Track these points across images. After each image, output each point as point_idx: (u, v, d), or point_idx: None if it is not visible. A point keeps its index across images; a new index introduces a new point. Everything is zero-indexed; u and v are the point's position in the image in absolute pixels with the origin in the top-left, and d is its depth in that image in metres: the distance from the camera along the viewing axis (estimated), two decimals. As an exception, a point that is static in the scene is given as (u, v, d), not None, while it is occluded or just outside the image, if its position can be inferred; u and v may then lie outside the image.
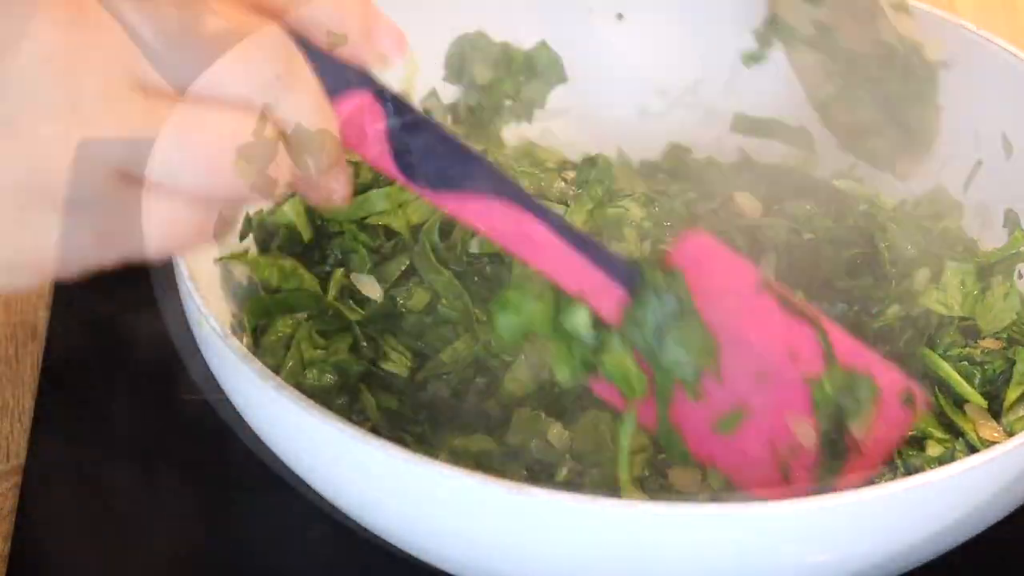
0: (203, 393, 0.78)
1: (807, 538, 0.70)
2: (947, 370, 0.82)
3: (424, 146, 0.67)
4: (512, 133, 0.99)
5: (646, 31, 1.00)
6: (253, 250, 0.87)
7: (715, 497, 0.78)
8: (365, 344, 0.84)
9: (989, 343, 0.84)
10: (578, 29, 1.00)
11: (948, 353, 0.83)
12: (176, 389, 0.85)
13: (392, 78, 0.95)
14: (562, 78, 0.99)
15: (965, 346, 0.84)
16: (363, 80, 0.66)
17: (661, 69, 1.00)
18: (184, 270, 0.78)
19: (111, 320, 0.92)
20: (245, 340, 0.86)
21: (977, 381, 0.82)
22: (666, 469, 0.79)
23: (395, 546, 0.76)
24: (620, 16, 1.00)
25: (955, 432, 0.81)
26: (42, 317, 0.95)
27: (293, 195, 0.85)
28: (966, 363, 0.83)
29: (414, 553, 0.76)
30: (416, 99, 0.96)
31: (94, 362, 0.91)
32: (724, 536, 0.69)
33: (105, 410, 0.89)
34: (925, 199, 0.95)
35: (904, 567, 0.75)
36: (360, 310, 0.85)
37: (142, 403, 0.89)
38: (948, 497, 0.71)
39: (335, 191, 0.66)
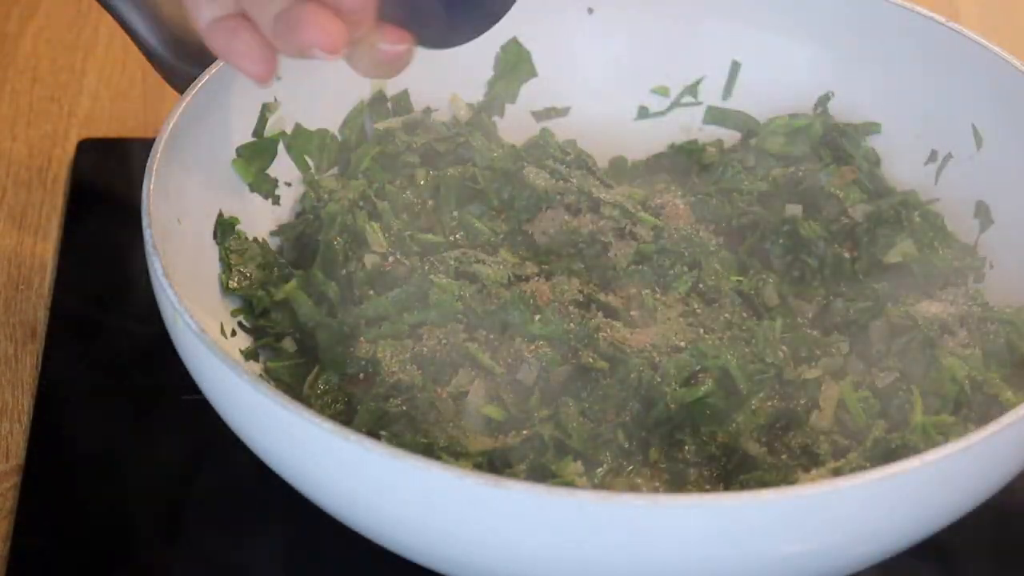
0: (202, 393, 0.78)
1: (779, 529, 0.70)
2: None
3: None
4: (513, 133, 0.99)
5: (646, 31, 1.00)
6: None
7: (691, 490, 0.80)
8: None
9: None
10: (578, 29, 1.00)
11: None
12: (175, 389, 0.85)
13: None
14: (532, 73, 0.99)
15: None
16: None
17: (661, 69, 1.00)
18: (159, 267, 0.78)
19: (110, 321, 0.92)
20: (246, 343, 0.86)
21: None
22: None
23: (380, 544, 0.76)
24: (591, 11, 1.00)
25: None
26: (42, 317, 0.95)
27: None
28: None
29: (397, 550, 0.76)
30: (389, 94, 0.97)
31: (93, 362, 0.91)
32: (700, 527, 0.69)
33: (104, 410, 0.89)
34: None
35: (876, 557, 0.76)
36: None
37: (142, 403, 0.89)
38: (919, 488, 0.72)
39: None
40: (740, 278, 0.89)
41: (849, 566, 0.76)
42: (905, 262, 0.90)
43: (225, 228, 0.88)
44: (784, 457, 0.81)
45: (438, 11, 0.76)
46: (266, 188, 0.92)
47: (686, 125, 1.00)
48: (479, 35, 0.80)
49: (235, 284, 0.87)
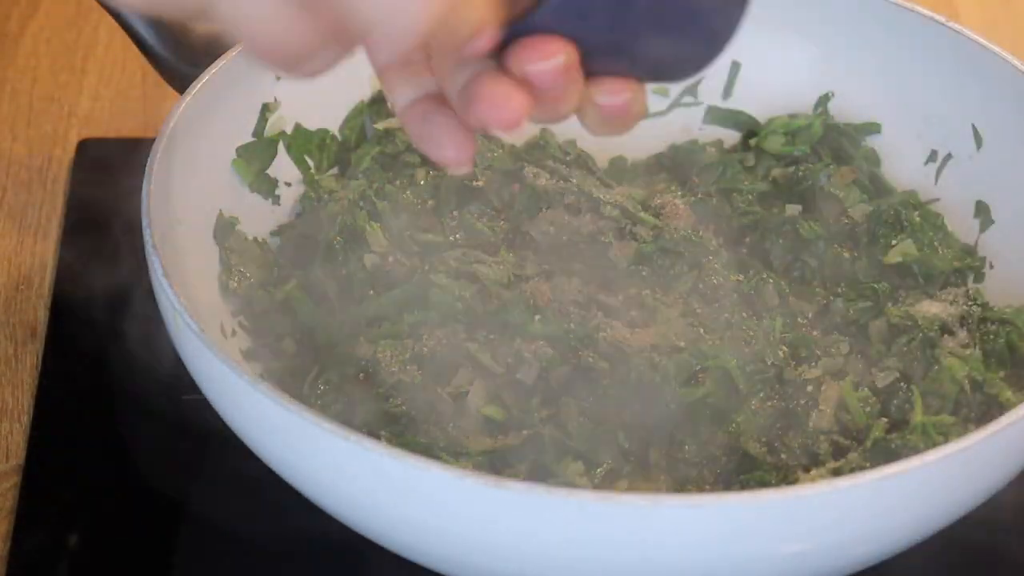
0: (202, 393, 0.78)
1: (779, 529, 0.70)
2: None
3: None
4: (513, 133, 0.98)
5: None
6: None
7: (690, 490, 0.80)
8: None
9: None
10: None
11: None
12: (176, 389, 0.85)
13: (364, 74, 0.95)
14: None
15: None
16: None
17: (661, 69, 0.99)
18: (159, 267, 0.78)
19: (111, 320, 0.92)
20: (246, 343, 0.86)
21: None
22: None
23: (380, 543, 0.76)
24: None
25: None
26: (42, 317, 0.95)
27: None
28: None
29: (397, 550, 0.76)
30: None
31: (94, 362, 0.91)
32: (700, 527, 0.69)
33: (105, 410, 0.89)
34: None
35: (876, 557, 0.76)
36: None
37: (142, 403, 0.89)
38: (919, 488, 0.72)
39: None
40: (740, 278, 0.89)
41: (849, 566, 0.76)
42: (905, 262, 0.90)
43: (225, 228, 0.88)
44: (784, 457, 0.81)
45: (653, 51, 0.71)
46: (266, 188, 0.92)
47: (686, 125, 1.00)
48: (709, 62, 0.74)
49: (235, 284, 0.87)
